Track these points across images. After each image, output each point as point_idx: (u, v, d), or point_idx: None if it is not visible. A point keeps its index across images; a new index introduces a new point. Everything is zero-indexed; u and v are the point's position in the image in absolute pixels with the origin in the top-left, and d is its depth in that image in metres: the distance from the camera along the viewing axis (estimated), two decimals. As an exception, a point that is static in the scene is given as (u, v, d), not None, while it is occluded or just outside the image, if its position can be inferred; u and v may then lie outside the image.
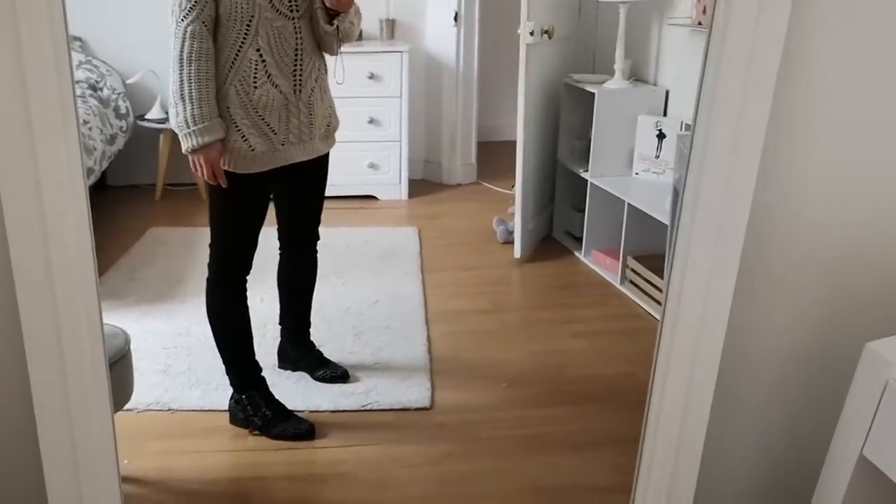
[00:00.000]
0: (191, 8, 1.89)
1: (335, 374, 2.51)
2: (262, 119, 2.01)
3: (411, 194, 4.43)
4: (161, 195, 4.21)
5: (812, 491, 1.39)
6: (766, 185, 1.28)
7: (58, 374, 1.36)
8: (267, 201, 2.17)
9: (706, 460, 1.48)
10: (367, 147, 4.26)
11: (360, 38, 4.14)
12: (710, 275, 1.32)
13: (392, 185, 4.39)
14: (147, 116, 4.16)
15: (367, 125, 4.23)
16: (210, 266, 2.19)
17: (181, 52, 1.90)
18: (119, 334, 1.85)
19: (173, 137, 4.08)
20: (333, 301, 3.03)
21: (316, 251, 2.44)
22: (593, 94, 3.34)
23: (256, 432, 2.24)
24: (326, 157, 2.28)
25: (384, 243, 3.72)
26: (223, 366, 2.28)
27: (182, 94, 1.91)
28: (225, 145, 1.99)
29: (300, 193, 2.32)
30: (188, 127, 1.93)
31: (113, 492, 1.45)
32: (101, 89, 3.99)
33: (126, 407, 1.97)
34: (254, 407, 2.25)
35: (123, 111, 4.03)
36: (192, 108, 1.91)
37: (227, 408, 2.29)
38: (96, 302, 1.36)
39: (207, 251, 2.18)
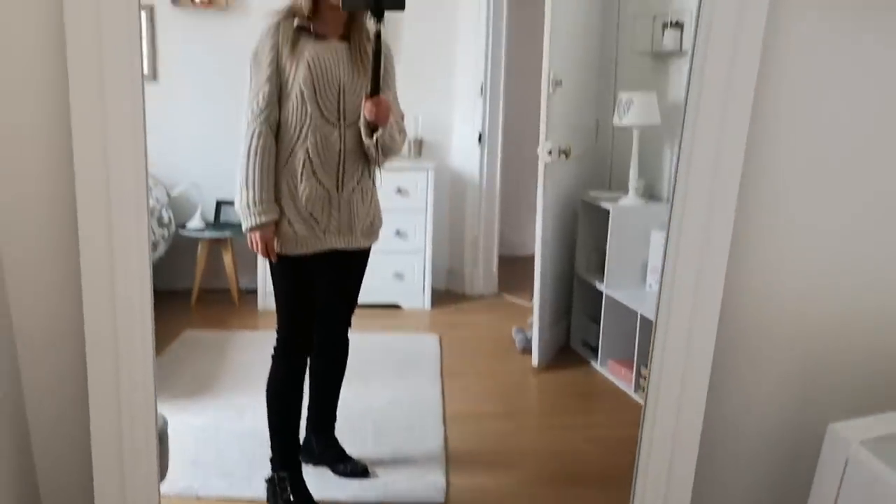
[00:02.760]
0: (260, 112, 2.22)
1: (356, 469, 2.62)
2: (306, 209, 2.29)
3: (434, 304, 4.57)
4: (196, 299, 4.40)
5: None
6: (739, 278, 1.43)
7: (115, 442, 1.50)
8: (313, 281, 2.40)
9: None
10: (393, 257, 4.44)
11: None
12: (685, 366, 1.45)
13: (416, 293, 4.55)
14: (188, 225, 4.40)
15: (394, 237, 4.43)
16: (276, 347, 2.43)
17: (249, 147, 2.23)
18: (159, 416, 1.99)
19: (210, 245, 4.34)
20: (355, 400, 3.14)
21: (347, 340, 2.62)
22: (608, 210, 3.53)
23: (280, 517, 2.36)
24: (367, 252, 2.51)
25: (406, 349, 3.86)
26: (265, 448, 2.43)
27: (247, 182, 2.23)
28: (276, 228, 2.28)
29: (338, 280, 2.51)
30: (249, 209, 2.24)
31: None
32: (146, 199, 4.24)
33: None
34: (282, 490, 2.40)
35: (166, 221, 4.27)
36: (254, 194, 2.22)
37: (252, 497, 2.42)
38: (152, 380, 1.52)
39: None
